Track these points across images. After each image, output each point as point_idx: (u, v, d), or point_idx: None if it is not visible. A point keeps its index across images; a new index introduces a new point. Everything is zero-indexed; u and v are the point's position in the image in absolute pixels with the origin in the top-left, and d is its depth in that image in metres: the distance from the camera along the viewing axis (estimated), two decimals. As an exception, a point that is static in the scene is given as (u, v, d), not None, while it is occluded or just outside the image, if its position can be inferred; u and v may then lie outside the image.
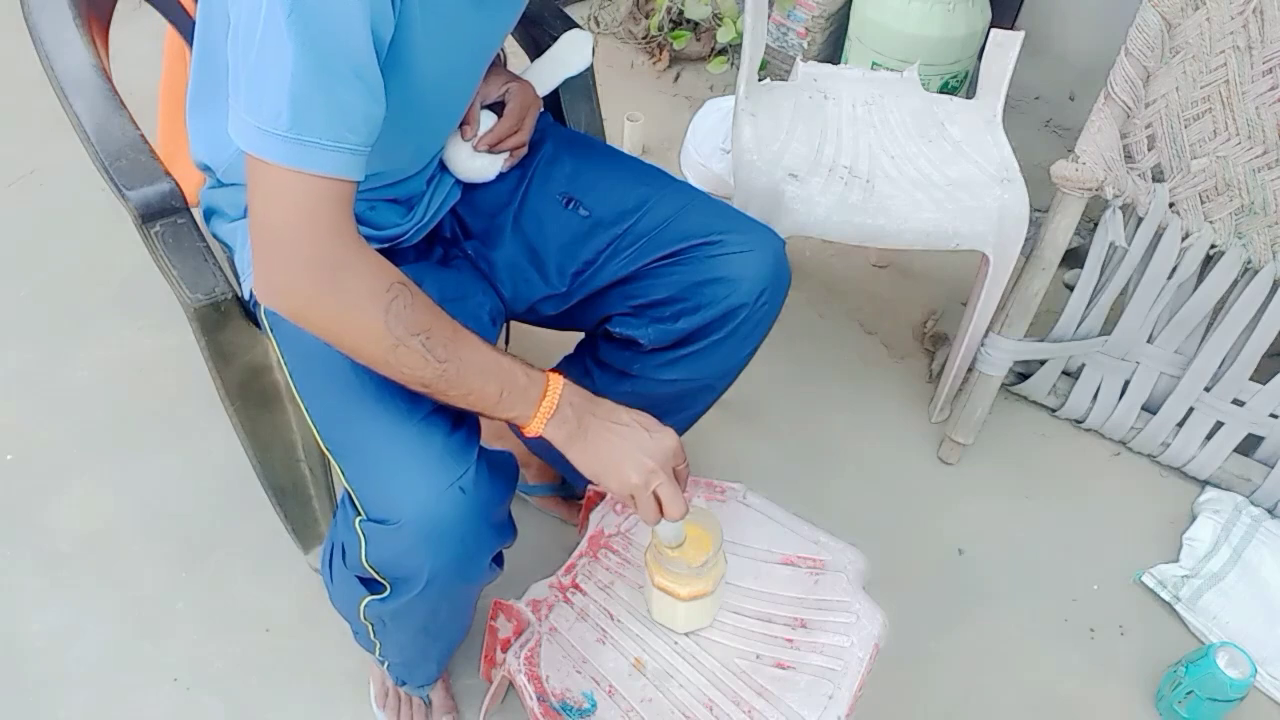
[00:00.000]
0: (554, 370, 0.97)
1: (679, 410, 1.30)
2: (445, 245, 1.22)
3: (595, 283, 1.19)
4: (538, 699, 1.06)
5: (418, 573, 0.97)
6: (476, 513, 0.95)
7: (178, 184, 1.08)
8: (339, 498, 1.05)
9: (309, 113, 0.82)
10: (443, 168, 1.18)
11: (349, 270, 0.87)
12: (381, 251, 1.13)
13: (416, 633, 1.16)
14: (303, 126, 0.82)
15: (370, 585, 1.05)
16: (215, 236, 1.17)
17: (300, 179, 0.83)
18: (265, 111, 0.82)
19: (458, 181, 1.20)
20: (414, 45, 0.90)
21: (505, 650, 1.17)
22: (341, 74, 0.82)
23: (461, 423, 0.98)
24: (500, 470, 1.00)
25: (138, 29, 1.61)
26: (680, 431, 1.34)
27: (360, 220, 1.11)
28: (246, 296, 1.11)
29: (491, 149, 1.17)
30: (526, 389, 0.93)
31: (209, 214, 1.17)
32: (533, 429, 0.94)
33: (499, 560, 1.09)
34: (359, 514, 0.97)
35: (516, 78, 1.22)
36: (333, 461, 1.01)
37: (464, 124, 1.15)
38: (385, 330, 0.87)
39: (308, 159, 0.83)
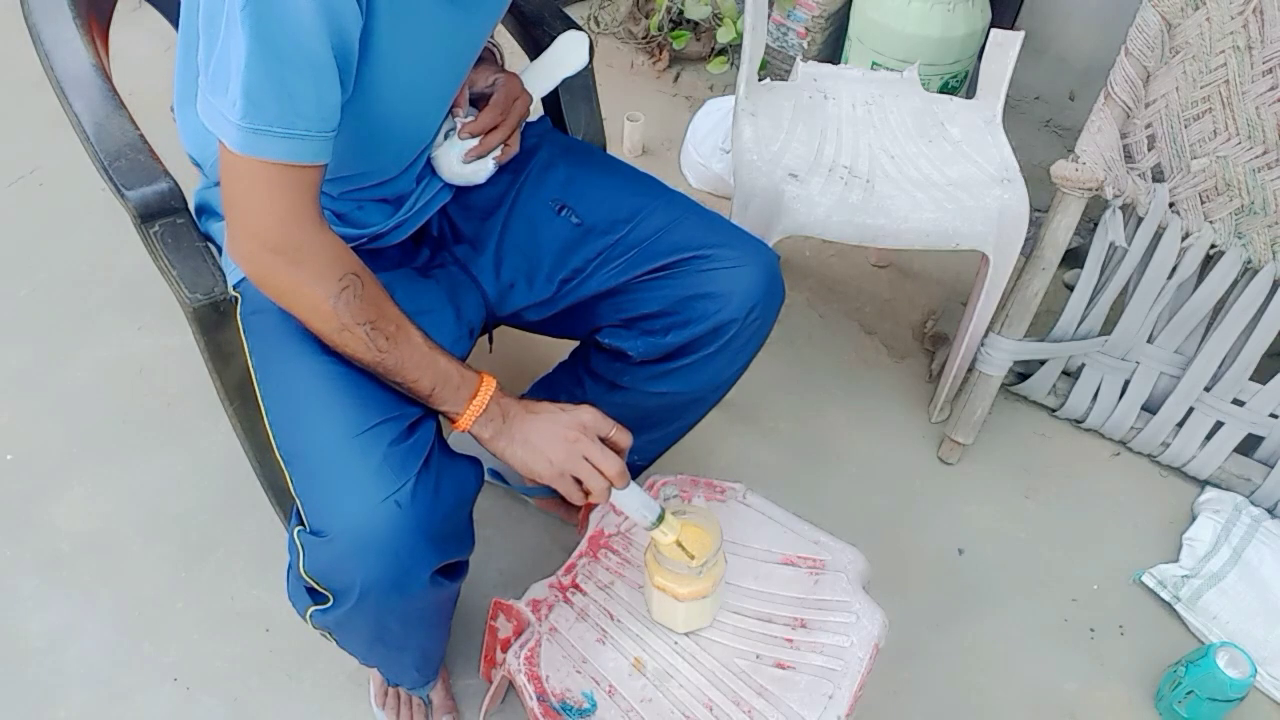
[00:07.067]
0: (490, 374, 1.00)
1: (670, 422, 1.30)
2: (433, 246, 1.22)
3: (583, 291, 1.18)
4: (538, 699, 1.06)
5: (350, 586, 0.96)
6: (412, 527, 0.93)
7: (176, 184, 1.08)
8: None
9: (261, 101, 0.85)
10: (432, 170, 1.18)
11: (305, 253, 0.91)
12: (365, 251, 1.13)
13: (372, 643, 1.14)
14: (255, 115, 0.85)
15: (314, 595, 1.04)
16: (204, 234, 1.17)
17: (256, 165, 0.87)
18: (226, 99, 0.85)
19: (448, 183, 1.19)
20: (381, 41, 0.91)
21: (505, 650, 1.17)
22: (292, 62, 0.84)
23: (411, 433, 0.97)
24: (452, 482, 0.99)
25: (138, 29, 1.62)
26: (672, 441, 1.33)
27: (345, 219, 1.12)
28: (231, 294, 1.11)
29: (476, 140, 1.15)
30: (459, 388, 0.97)
31: (199, 211, 1.17)
32: (462, 424, 0.98)
33: (452, 572, 1.06)
34: (301, 524, 0.98)
35: (504, 70, 1.20)
36: (284, 469, 1.01)
37: (453, 106, 1.13)
38: (333, 314, 0.92)
39: (261, 146, 0.86)
